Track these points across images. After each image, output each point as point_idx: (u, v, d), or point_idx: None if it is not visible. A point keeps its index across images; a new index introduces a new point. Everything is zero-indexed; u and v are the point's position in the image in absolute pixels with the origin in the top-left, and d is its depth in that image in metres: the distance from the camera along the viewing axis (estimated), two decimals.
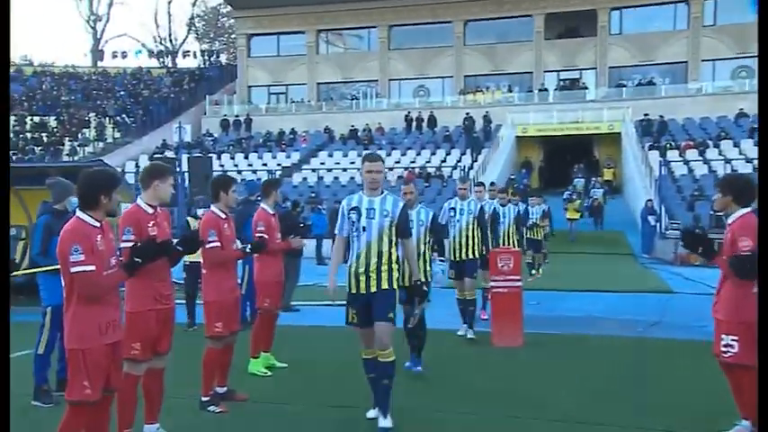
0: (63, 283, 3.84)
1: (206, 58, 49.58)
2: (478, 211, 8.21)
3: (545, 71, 37.41)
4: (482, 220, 8.28)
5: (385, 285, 4.86)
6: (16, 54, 54.56)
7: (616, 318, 10.08)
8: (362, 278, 4.86)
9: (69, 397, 3.83)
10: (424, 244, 6.65)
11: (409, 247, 5.08)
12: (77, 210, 3.92)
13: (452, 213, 8.17)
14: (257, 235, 6.41)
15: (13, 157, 30.31)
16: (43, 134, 34.35)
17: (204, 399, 5.54)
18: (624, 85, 35.09)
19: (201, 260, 5.67)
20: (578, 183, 29.47)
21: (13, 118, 34.57)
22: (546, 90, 36.10)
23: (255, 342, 6.75)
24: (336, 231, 5.05)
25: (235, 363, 5.95)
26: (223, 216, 5.63)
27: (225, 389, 5.78)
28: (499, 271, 8.08)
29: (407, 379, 6.39)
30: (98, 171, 4.00)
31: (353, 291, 4.91)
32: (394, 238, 4.94)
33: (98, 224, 3.89)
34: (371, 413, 5.17)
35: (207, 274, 5.60)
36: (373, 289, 4.84)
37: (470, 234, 8.13)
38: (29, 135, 34.15)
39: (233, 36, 51.41)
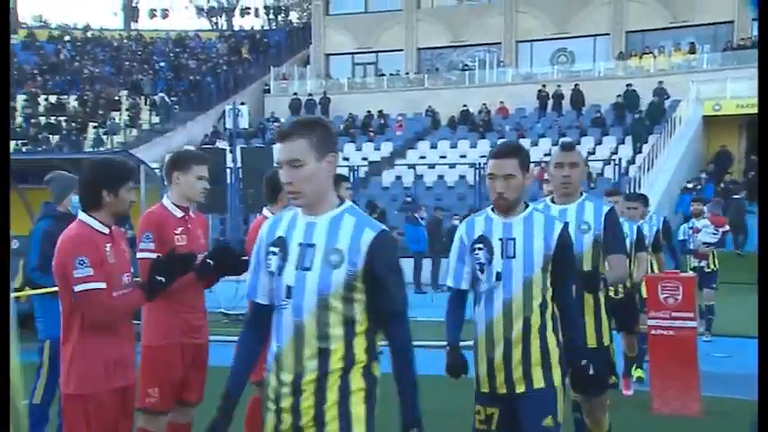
0: (61, 308, 4.00)
1: (271, 17, 51.03)
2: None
3: (754, 19, 35.95)
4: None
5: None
6: (28, 14, 57.65)
7: None
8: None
9: None
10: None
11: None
12: (80, 211, 4.08)
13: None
14: None
15: (23, 148, 32.02)
16: (61, 118, 36.08)
17: None
18: None
19: None
20: None
21: (22, 97, 36.60)
22: (755, 46, 34.51)
23: None
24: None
25: None
26: None
27: None
28: (661, 304, 7.85)
29: None
30: (102, 161, 4.17)
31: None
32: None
33: (107, 230, 4.05)
34: None
35: None
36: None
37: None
38: (42, 119, 35.92)
39: None
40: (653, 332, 7.98)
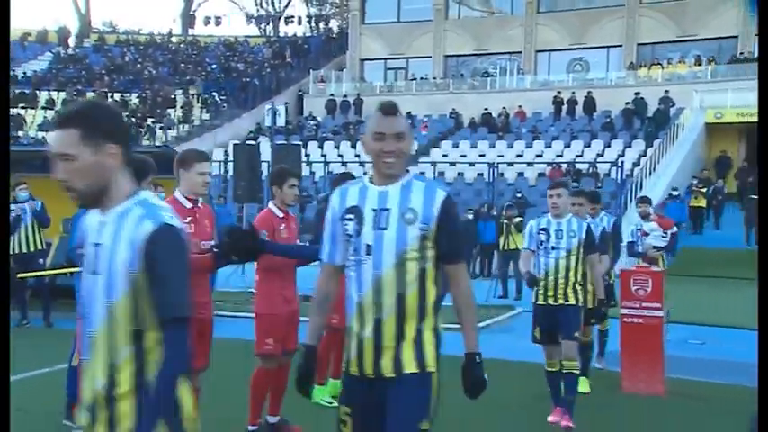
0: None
1: (313, 24, 51.26)
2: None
3: (757, 34, 35.34)
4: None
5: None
6: (99, 20, 58.46)
7: None
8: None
9: None
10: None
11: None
12: None
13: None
14: None
15: None
16: (123, 114, 36.64)
17: (251, 428, 5.87)
18: None
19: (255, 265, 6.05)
20: None
21: (92, 94, 37.39)
22: (756, 60, 34.21)
23: (321, 365, 7.02)
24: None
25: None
26: (280, 215, 5.96)
27: (277, 419, 6.06)
28: (632, 295, 8.01)
29: None
30: None
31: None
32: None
33: None
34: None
35: (259, 282, 5.95)
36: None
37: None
38: None
39: None
40: (624, 320, 8.11)
